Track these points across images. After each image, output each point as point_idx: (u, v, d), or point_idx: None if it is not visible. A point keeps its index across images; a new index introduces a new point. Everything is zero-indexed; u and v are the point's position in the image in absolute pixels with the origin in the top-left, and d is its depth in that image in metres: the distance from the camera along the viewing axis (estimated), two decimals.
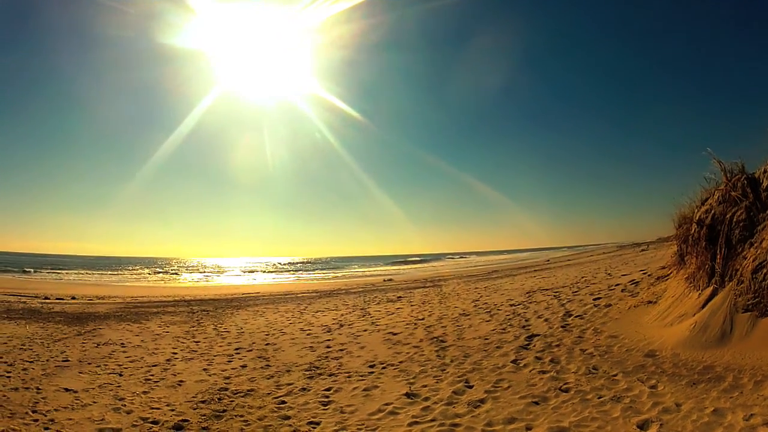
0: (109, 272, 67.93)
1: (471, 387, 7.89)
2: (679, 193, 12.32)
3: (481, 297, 18.36)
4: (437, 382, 8.30)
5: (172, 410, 7.54)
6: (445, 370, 9.01)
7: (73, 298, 25.64)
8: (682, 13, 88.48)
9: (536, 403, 6.91)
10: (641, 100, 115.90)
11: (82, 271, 65.61)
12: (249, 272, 79.08)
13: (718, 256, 9.65)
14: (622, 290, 14.06)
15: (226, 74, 79.13)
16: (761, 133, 10.03)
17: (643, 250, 37.31)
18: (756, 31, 76.91)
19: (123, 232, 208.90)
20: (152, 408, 7.64)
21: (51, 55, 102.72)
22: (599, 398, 6.79)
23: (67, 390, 8.47)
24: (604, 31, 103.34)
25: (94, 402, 7.87)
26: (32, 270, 61.17)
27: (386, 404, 7.47)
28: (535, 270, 33.32)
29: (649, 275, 15.14)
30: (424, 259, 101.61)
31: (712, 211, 10.20)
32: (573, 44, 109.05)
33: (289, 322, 16.07)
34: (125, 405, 7.75)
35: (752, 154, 10.17)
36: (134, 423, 6.98)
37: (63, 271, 63.86)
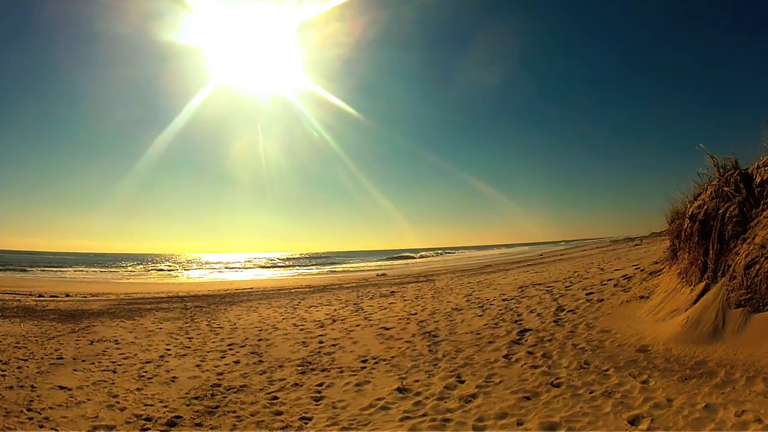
0: (105, 269, 68.00)
1: (463, 382, 7.88)
2: (671, 188, 12.29)
3: (473, 292, 18.33)
4: (429, 377, 8.30)
5: (166, 407, 7.55)
6: (437, 365, 9.01)
7: (68, 295, 25.64)
8: (673, 15, 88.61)
9: (527, 398, 6.89)
10: (634, 99, 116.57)
11: (79, 269, 65.59)
12: (243, 268, 79.05)
13: (711, 252, 9.63)
14: (615, 285, 14.05)
15: (221, 71, 78.85)
16: (753, 131, 10.01)
17: (636, 245, 37.23)
18: (749, 30, 77.26)
19: (119, 229, 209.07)
20: (146, 405, 7.65)
21: (46, 51, 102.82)
22: (590, 393, 6.78)
23: (61, 388, 8.47)
24: (595, 33, 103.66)
25: (89, 399, 7.87)
26: (34, 268, 61.14)
27: (378, 399, 7.48)
28: (528, 265, 33.33)
29: (641, 270, 15.12)
30: (417, 254, 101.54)
31: (705, 207, 10.18)
32: (565, 45, 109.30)
33: (282, 317, 16.05)
34: (119, 402, 7.76)
35: (745, 152, 10.16)
36: (128, 420, 6.99)
37: (60, 269, 63.96)
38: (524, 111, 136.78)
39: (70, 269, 64.49)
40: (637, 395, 6.54)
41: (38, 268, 61.74)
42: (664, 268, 12.92)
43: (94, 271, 62.50)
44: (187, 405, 7.62)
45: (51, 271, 60.21)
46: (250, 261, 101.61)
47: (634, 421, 5.77)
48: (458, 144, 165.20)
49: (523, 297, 15.07)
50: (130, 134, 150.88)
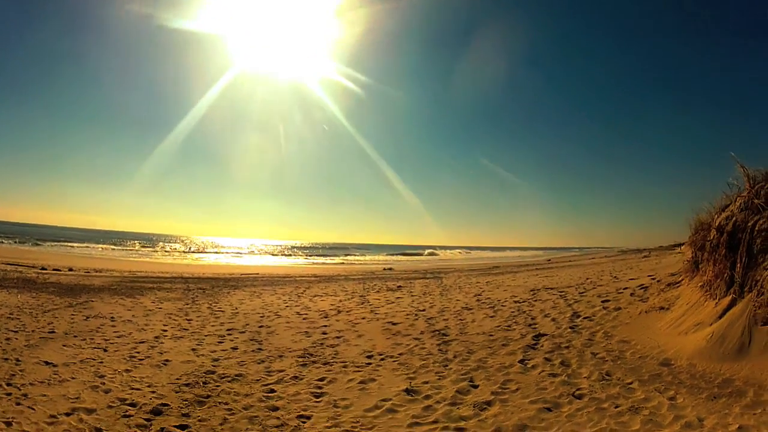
0: (114, 246, 68.40)
1: (476, 387, 7.49)
2: (689, 201, 12.00)
3: (483, 291, 18.00)
4: (439, 379, 7.91)
5: (153, 392, 7.21)
6: (447, 366, 8.63)
7: (71, 269, 25.83)
8: (693, 22, 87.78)
9: (548, 409, 6.47)
10: (648, 107, 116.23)
11: (88, 245, 66.07)
12: (252, 253, 79.47)
13: (738, 265, 9.23)
14: (631, 294, 13.64)
15: (241, 57, 79.35)
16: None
17: (645, 256, 36.80)
18: None
19: (137, 208, 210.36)
20: (132, 388, 7.33)
21: (76, 34, 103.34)
22: (616, 407, 6.37)
23: (47, 363, 8.24)
24: (614, 38, 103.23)
25: (73, 378, 7.60)
26: (45, 243, 61.57)
27: (384, 400, 7.06)
28: (536, 268, 33.04)
29: (658, 281, 14.72)
30: (426, 251, 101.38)
31: (734, 218, 9.80)
32: (581, 51, 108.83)
33: (286, 305, 15.81)
34: (104, 383, 7.45)
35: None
36: (110, 404, 6.64)
37: (69, 243, 64.35)
38: (540, 114, 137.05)
39: (79, 244, 64.99)
40: (665, 413, 6.14)
41: (51, 243, 62.15)
42: (683, 279, 12.54)
43: (102, 248, 62.94)
44: (176, 392, 7.27)
45: (60, 245, 60.62)
46: (259, 247, 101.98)
47: None
48: (468, 141, 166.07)
49: (535, 300, 14.71)
50: (153, 119, 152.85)
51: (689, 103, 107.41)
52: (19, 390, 6.85)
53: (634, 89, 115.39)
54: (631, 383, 7.28)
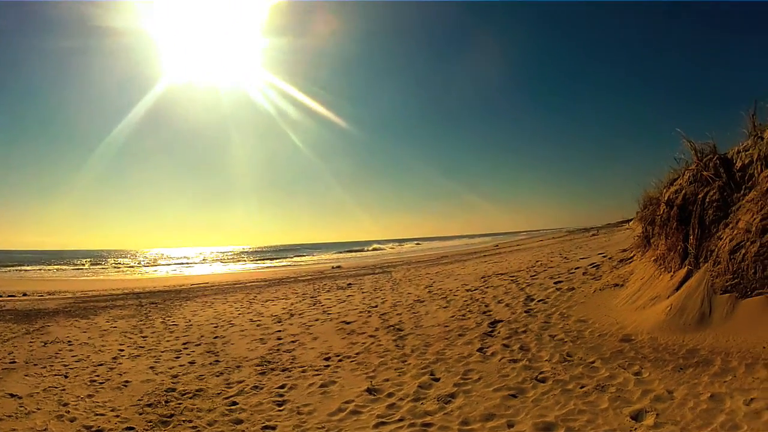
0: (64, 266, 67.02)
1: (437, 380, 7.30)
2: (636, 179, 12.08)
3: (434, 283, 17.93)
4: (399, 375, 7.71)
5: (117, 416, 6.93)
6: (406, 361, 8.42)
7: (25, 294, 25.13)
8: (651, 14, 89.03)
9: (513, 395, 6.30)
10: (587, 87, 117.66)
11: (38, 267, 64.69)
12: (200, 262, 78.52)
13: (691, 237, 9.27)
14: (584, 273, 13.70)
15: (179, 59, 78.07)
16: (722, 128, 9.79)
17: (593, 235, 37.39)
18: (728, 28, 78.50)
19: (75, 221, 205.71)
20: (96, 414, 7.05)
21: None
22: (582, 388, 6.24)
23: (12, 396, 7.98)
24: (552, 17, 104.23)
25: (38, 409, 7.33)
26: (1, 268, 60.13)
27: (347, 402, 6.83)
28: (485, 255, 33.20)
29: (609, 258, 14.84)
30: (370, 246, 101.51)
31: (683, 191, 9.83)
32: (518, 28, 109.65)
33: (239, 312, 15.51)
34: (69, 411, 7.18)
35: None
36: None
37: (23, 267, 63.35)
38: (478, 98, 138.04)
39: (31, 267, 63.82)
40: (633, 388, 6.03)
41: (1, 268, 60.73)
42: (635, 255, 12.66)
43: (56, 269, 61.80)
44: (140, 414, 6.98)
45: (13, 270, 59.39)
46: (208, 255, 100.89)
47: (637, 417, 5.25)
48: (411, 134, 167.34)
49: (487, 287, 14.65)
50: (86, 124, 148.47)
51: (629, 82, 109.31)
52: None
53: (572, 68, 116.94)
54: (593, 362, 7.18)
